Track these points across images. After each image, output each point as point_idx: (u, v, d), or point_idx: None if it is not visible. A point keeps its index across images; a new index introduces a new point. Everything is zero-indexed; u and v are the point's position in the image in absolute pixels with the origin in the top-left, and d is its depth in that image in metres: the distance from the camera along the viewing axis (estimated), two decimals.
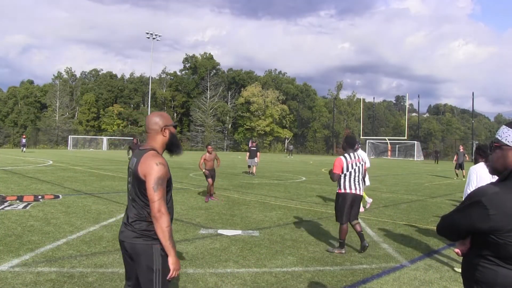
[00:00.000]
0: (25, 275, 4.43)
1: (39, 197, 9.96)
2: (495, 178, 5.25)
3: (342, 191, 5.81)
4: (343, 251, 5.77)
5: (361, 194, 5.94)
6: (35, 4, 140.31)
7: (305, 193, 12.63)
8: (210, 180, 10.25)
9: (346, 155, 5.84)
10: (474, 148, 50.47)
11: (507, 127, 1.79)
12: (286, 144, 69.70)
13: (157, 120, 2.59)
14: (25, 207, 8.59)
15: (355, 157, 5.84)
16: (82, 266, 4.81)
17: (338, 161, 5.77)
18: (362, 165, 5.96)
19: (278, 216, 8.42)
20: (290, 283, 4.46)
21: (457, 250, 1.95)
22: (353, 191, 5.79)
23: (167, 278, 2.46)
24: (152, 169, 2.41)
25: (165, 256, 2.45)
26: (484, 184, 4.85)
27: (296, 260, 5.36)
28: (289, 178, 17.76)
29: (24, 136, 43.44)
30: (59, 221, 7.28)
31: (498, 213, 1.63)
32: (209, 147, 10.66)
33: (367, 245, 5.81)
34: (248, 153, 18.95)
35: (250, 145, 19.20)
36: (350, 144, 5.92)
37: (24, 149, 39.99)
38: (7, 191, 10.95)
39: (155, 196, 2.39)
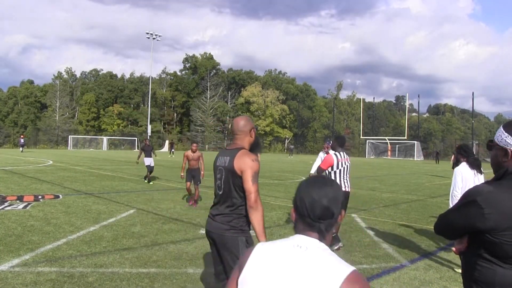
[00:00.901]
0: (25, 275, 4.43)
1: (39, 197, 9.96)
2: (478, 178, 5.23)
3: None
4: (341, 244, 5.91)
5: (349, 191, 6.14)
6: (35, 4, 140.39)
7: None
8: (188, 183, 9.65)
9: (336, 153, 6.04)
10: (475, 148, 50.44)
11: (502, 128, 1.81)
12: (286, 144, 69.77)
13: (245, 123, 2.92)
14: (25, 207, 8.59)
15: (343, 156, 6.07)
16: (82, 266, 4.81)
17: (329, 158, 6.01)
18: (349, 165, 6.17)
19: (278, 216, 8.42)
20: None
21: (454, 248, 1.96)
22: (343, 189, 5.98)
23: None
24: (248, 165, 2.70)
25: (249, 246, 2.66)
26: (468, 184, 4.90)
27: None
28: (289, 178, 17.76)
29: (22, 136, 43.49)
30: (59, 221, 7.28)
31: (493, 212, 1.63)
32: (194, 145, 9.82)
33: (335, 248, 5.92)
34: None
35: None
36: (340, 144, 6.16)
37: (22, 149, 40.08)
38: (7, 191, 10.96)
39: (253, 188, 2.66)
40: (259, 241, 2.64)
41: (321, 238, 1.31)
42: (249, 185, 2.65)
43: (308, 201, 1.31)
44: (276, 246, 1.32)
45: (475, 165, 5.00)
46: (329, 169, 5.98)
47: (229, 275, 1.42)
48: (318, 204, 1.30)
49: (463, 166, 5.01)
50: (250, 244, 2.71)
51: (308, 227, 1.32)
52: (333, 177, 5.95)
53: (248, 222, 2.76)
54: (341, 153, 6.04)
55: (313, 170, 7.86)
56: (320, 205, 1.30)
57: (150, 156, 14.25)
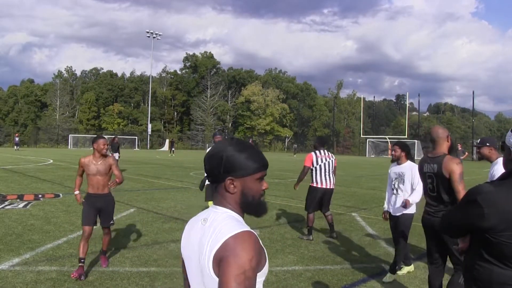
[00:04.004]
0: (26, 274, 4.43)
1: (40, 196, 9.96)
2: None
3: (314, 185, 6.49)
4: (311, 238, 6.35)
5: (332, 187, 6.55)
6: (35, 1, 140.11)
7: (305, 192, 12.61)
8: (87, 228, 4.68)
9: (316, 151, 6.55)
10: (474, 147, 50.40)
11: (510, 129, 1.83)
12: (286, 143, 69.81)
13: (443, 130, 3.51)
14: (25, 206, 8.59)
15: (324, 153, 6.57)
16: None
17: (308, 156, 6.54)
18: (332, 161, 6.56)
19: (279, 215, 8.42)
20: (291, 282, 4.46)
21: (455, 246, 1.97)
22: (324, 186, 6.44)
23: None
24: (454, 168, 3.30)
25: None
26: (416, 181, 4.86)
27: (297, 259, 5.36)
28: (289, 177, 17.76)
29: (17, 135, 43.80)
30: (59, 220, 7.28)
31: (492, 212, 1.63)
32: (101, 141, 4.88)
33: (334, 236, 6.49)
34: None
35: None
36: (320, 143, 6.69)
37: (18, 147, 40.41)
38: (7, 190, 10.95)
39: (460, 187, 3.28)
40: None
41: (219, 194, 1.34)
42: (457, 184, 3.28)
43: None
44: (193, 221, 1.41)
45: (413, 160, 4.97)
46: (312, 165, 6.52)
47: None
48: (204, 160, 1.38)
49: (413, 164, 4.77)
50: None
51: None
52: (314, 174, 6.49)
53: None
54: (322, 151, 6.57)
55: None
56: (205, 160, 1.37)
57: (116, 152, 16.60)
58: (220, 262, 1.17)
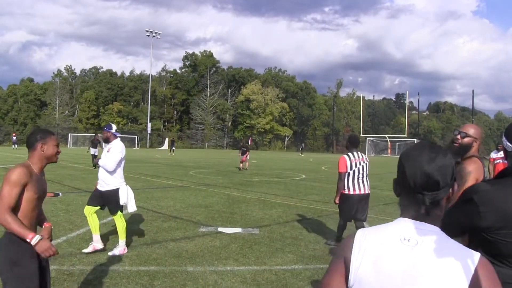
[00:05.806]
0: None
1: None
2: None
3: (346, 192, 5.84)
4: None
5: (368, 192, 5.96)
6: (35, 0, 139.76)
7: (305, 191, 12.63)
8: None
9: (349, 153, 5.87)
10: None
11: (505, 132, 1.84)
12: (286, 142, 69.84)
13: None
14: None
15: (358, 156, 5.88)
16: (82, 264, 4.81)
17: (342, 160, 5.83)
18: (366, 164, 5.96)
19: (278, 214, 8.42)
20: (290, 281, 4.46)
21: None
22: (357, 192, 5.83)
23: None
24: None
25: None
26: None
27: (296, 258, 5.36)
28: (289, 176, 17.76)
29: (14, 134, 44.07)
30: (59, 219, 7.28)
31: (488, 211, 1.64)
32: (53, 137, 2.71)
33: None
34: (240, 151, 20.77)
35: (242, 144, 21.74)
36: (353, 144, 5.98)
37: (16, 146, 40.64)
38: None
39: None
40: None
41: (426, 216, 1.15)
42: None
43: (410, 168, 1.18)
44: (381, 237, 1.16)
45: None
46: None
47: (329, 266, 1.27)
48: (419, 170, 1.15)
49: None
50: None
51: (412, 201, 1.17)
52: (346, 180, 5.81)
53: None
54: (355, 153, 5.88)
55: (109, 165, 5.51)
56: (422, 171, 1.15)
57: (95, 148, 19.18)
58: None
